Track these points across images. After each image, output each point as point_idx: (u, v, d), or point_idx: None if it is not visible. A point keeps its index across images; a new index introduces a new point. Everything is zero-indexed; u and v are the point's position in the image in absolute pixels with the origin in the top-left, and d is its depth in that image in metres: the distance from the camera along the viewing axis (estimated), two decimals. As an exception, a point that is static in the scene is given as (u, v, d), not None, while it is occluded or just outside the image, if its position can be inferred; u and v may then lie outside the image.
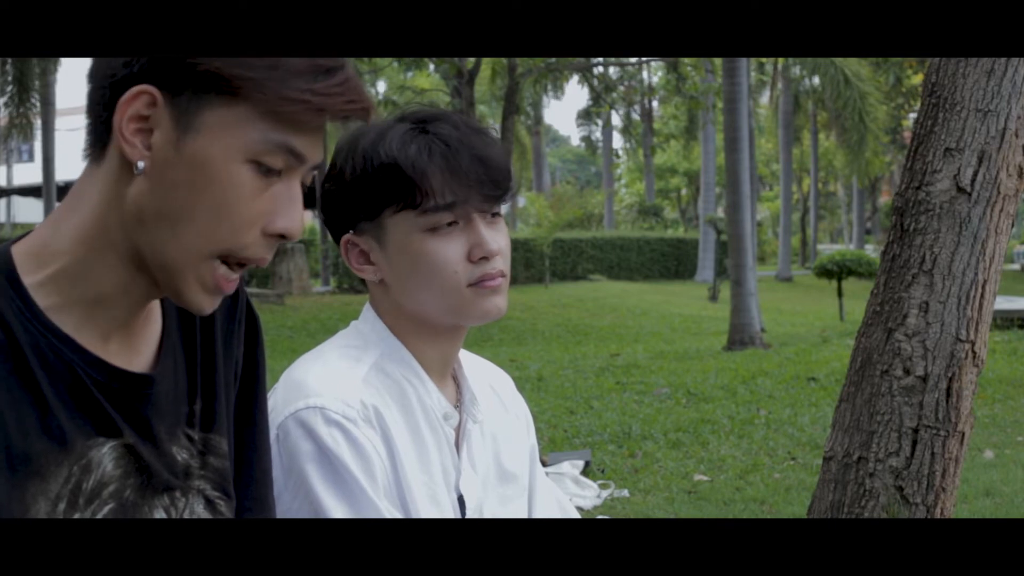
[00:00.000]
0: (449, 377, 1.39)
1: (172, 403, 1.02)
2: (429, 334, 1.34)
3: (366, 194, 1.28)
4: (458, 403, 1.38)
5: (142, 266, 0.95)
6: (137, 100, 0.90)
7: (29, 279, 0.93)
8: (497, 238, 1.29)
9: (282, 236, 0.95)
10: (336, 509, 1.20)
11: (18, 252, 0.95)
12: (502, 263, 1.30)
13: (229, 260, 0.94)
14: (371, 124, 1.30)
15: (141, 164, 0.91)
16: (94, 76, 0.94)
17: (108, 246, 0.94)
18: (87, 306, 0.95)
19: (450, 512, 1.30)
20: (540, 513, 1.47)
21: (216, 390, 1.07)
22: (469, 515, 1.33)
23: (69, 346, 0.93)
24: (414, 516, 1.25)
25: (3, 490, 0.87)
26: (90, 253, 0.94)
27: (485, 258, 1.28)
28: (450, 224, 1.27)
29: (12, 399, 0.89)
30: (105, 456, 0.94)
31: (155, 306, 1.04)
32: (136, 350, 1.01)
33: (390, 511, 1.22)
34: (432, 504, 1.28)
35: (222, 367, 1.08)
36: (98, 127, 0.94)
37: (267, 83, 0.90)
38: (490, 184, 1.27)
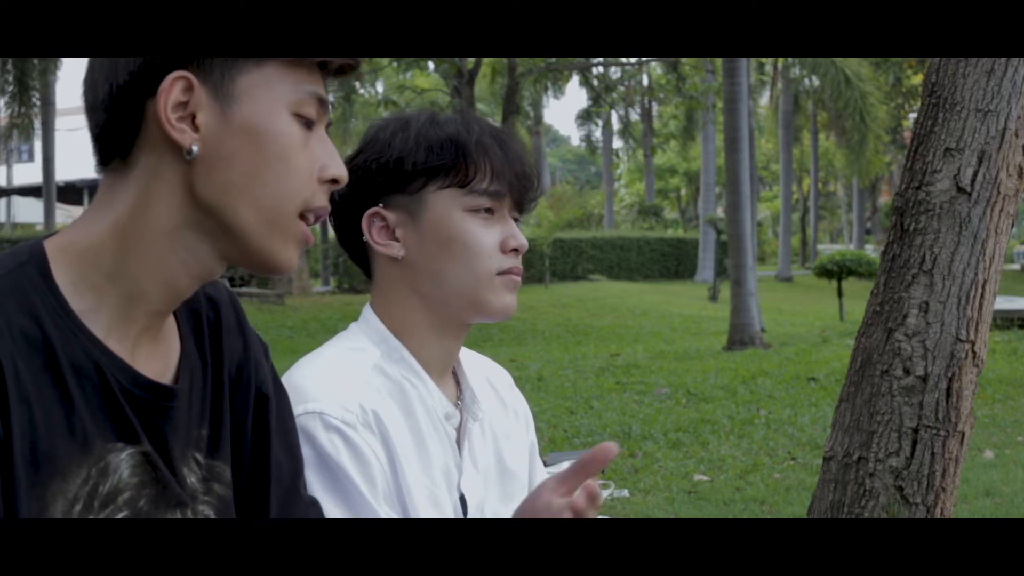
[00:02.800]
0: (449, 375, 1.39)
1: (187, 423, 1.02)
2: (435, 329, 1.33)
3: (416, 166, 1.30)
4: (458, 401, 1.38)
5: (202, 251, 0.96)
6: (174, 87, 0.92)
7: (62, 277, 0.93)
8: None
9: (334, 181, 1.00)
10: (335, 515, 1.19)
11: (51, 249, 0.94)
12: (520, 263, 1.35)
13: (305, 214, 0.98)
14: (414, 111, 1.36)
15: (195, 148, 0.93)
16: (104, 91, 0.93)
17: (152, 239, 0.94)
18: (121, 304, 0.95)
19: (450, 515, 1.30)
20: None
21: (223, 416, 1.07)
22: (471, 514, 1.32)
23: (98, 347, 0.93)
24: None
25: (24, 486, 0.86)
26: (129, 247, 0.94)
27: (515, 250, 1.32)
28: (487, 211, 1.31)
29: (41, 395, 0.88)
30: (123, 462, 0.94)
31: (172, 324, 1.04)
32: (158, 361, 1.00)
33: (390, 516, 1.22)
34: (432, 507, 1.27)
35: (228, 393, 1.08)
36: (118, 136, 0.94)
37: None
38: (529, 186, 1.34)
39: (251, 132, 0.94)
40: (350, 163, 1.33)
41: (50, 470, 0.88)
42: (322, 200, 0.99)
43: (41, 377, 0.89)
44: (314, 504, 1.16)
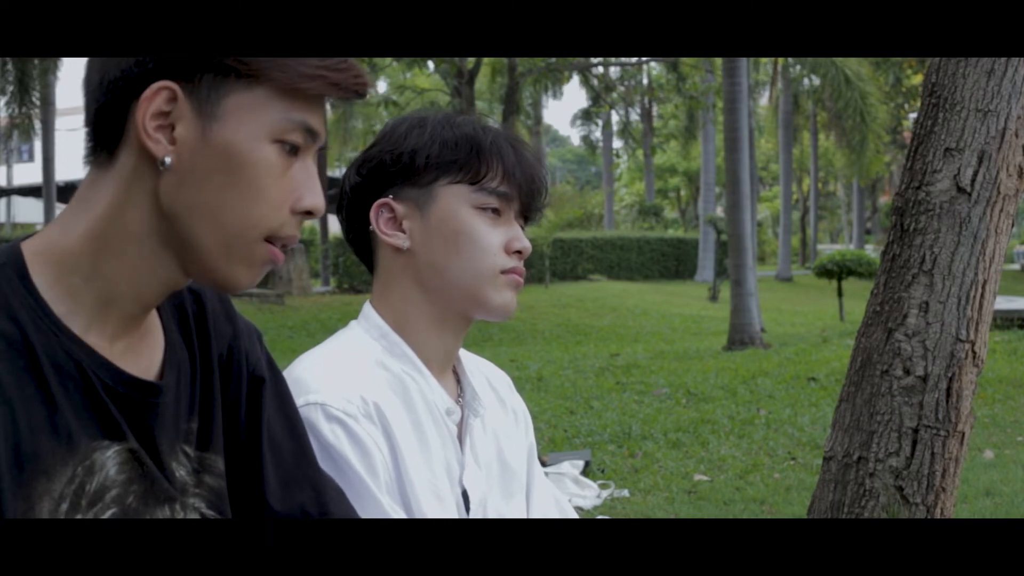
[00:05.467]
0: (450, 372, 1.39)
1: (174, 418, 1.02)
2: (435, 324, 1.34)
3: (429, 160, 1.31)
4: (459, 398, 1.38)
5: (167, 260, 0.96)
6: (158, 96, 0.91)
7: (39, 278, 0.93)
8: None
9: (309, 213, 0.98)
10: None
11: (28, 251, 0.95)
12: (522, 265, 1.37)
13: (272, 240, 0.97)
14: (432, 112, 1.38)
15: (168, 160, 0.92)
16: (96, 81, 0.94)
17: (126, 243, 0.94)
18: (97, 306, 0.95)
19: (453, 507, 1.30)
20: (537, 512, 1.47)
21: (213, 407, 1.07)
22: (473, 510, 1.33)
23: (78, 346, 0.93)
24: (416, 511, 1.25)
25: (9, 488, 0.87)
26: (104, 250, 0.94)
27: (519, 252, 1.34)
28: (494, 211, 1.32)
29: (23, 396, 0.88)
30: (109, 460, 0.94)
31: (155, 319, 1.04)
32: (141, 357, 1.00)
33: (392, 507, 1.22)
34: (435, 499, 1.28)
35: (219, 385, 1.08)
36: (106, 130, 0.94)
37: (286, 62, 0.93)
38: (537, 193, 1.37)
39: (228, 155, 0.93)
40: (364, 154, 1.36)
41: (34, 470, 0.88)
42: (292, 230, 0.98)
43: (22, 378, 0.89)
44: (326, 478, 1.16)
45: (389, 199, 1.33)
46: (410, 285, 1.34)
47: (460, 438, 1.35)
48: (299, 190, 0.97)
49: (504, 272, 1.32)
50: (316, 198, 0.98)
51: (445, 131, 1.33)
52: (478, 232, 1.31)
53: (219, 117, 0.92)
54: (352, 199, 1.36)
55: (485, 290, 1.32)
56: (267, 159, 0.94)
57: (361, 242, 1.38)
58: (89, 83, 0.94)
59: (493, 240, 1.32)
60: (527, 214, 1.37)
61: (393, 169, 1.33)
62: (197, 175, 0.93)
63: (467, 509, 1.32)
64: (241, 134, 0.93)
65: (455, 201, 1.31)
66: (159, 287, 0.98)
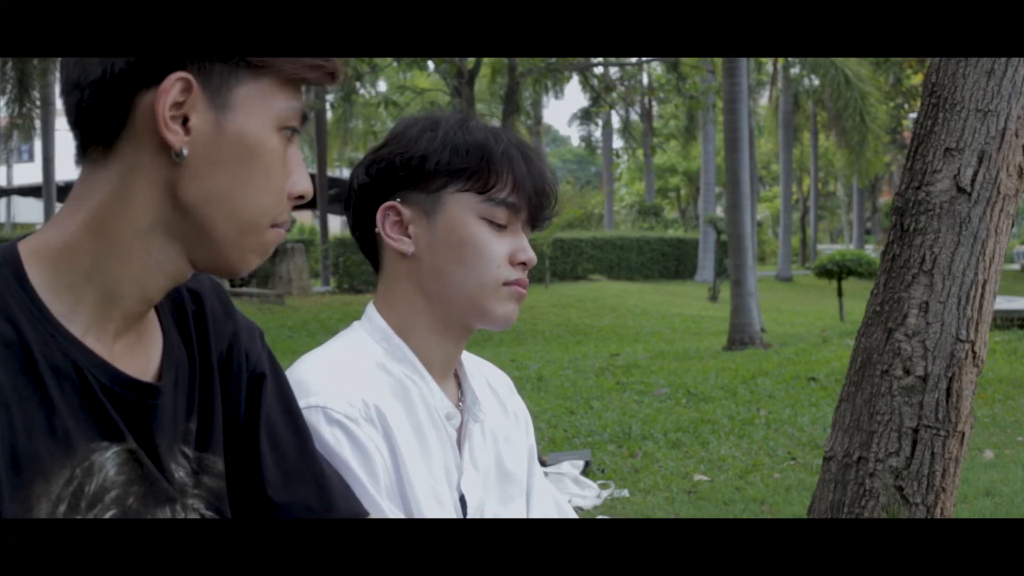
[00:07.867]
0: (451, 376, 1.39)
1: (172, 418, 1.02)
2: (437, 329, 1.34)
3: (439, 166, 1.30)
4: (460, 402, 1.38)
5: (173, 253, 0.96)
6: (174, 87, 0.92)
7: (37, 278, 0.92)
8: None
9: (300, 197, 1.01)
10: None
11: (25, 250, 0.94)
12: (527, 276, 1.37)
13: (272, 227, 0.99)
14: (446, 114, 1.37)
15: (186, 151, 0.93)
16: (95, 74, 0.92)
17: (129, 237, 0.94)
18: (98, 304, 0.95)
19: (452, 510, 1.30)
20: (537, 513, 1.47)
21: (212, 408, 1.06)
22: (471, 515, 1.33)
23: (76, 348, 0.93)
24: (417, 514, 1.25)
25: (7, 491, 0.86)
26: (105, 245, 0.94)
27: (524, 264, 1.33)
28: (500, 226, 1.32)
29: (20, 398, 0.88)
30: (108, 461, 0.94)
31: (153, 319, 1.04)
32: (139, 357, 1.00)
33: (392, 510, 1.22)
34: (435, 502, 1.28)
35: (218, 385, 1.08)
36: (104, 123, 0.93)
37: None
38: (546, 204, 1.36)
39: (242, 144, 0.95)
40: (374, 154, 1.35)
41: (32, 472, 0.88)
42: (287, 215, 1.01)
43: (19, 380, 0.88)
44: (331, 474, 1.15)
45: (396, 203, 1.32)
46: (413, 290, 1.33)
47: (459, 443, 1.35)
48: (293, 175, 1.00)
49: (507, 283, 1.32)
50: (307, 182, 1.01)
51: (457, 137, 1.31)
52: (483, 243, 1.31)
53: (232, 107, 0.94)
54: (359, 198, 1.35)
55: (487, 300, 1.31)
56: (274, 147, 0.97)
57: (367, 241, 1.37)
58: (83, 71, 0.93)
59: (498, 251, 1.31)
60: (534, 223, 1.37)
61: (402, 172, 1.32)
62: (212, 165, 0.94)
63: (464, 514, 1.32)
64: (253, 123, 0.95)
65: (462, 210, 1.30)
66: (164, 281, 0.98)
